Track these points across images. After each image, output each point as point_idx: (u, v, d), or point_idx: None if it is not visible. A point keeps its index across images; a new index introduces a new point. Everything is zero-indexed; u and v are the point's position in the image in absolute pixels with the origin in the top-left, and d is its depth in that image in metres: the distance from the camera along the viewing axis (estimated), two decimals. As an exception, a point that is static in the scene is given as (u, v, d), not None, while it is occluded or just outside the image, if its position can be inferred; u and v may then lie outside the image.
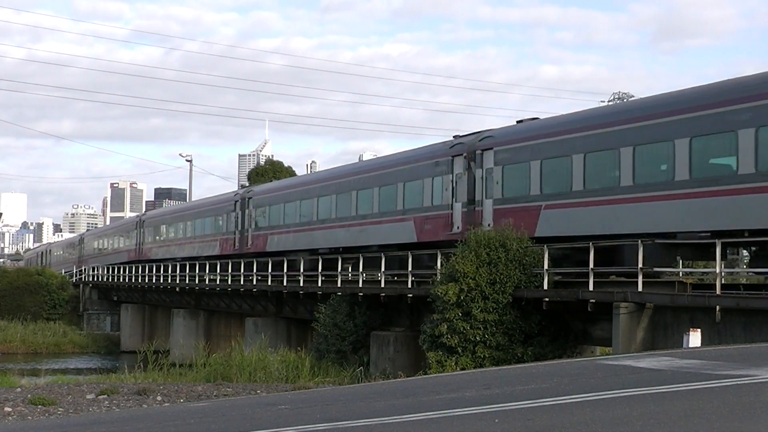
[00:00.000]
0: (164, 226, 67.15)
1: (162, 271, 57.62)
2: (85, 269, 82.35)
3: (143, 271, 61.98)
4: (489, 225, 29.80)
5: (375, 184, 37.26)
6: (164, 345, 51.47)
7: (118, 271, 68.67)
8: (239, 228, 51.02)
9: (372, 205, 37.31)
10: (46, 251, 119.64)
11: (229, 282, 47.57)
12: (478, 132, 32.33)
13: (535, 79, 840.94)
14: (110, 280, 71.17)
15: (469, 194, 31.51)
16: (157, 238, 67.58)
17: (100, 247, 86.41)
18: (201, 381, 29.53)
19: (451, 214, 32.37)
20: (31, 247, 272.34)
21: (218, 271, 48.89)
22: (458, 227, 31.77)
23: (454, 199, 32.42)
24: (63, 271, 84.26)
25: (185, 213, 63.99)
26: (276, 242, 46.23)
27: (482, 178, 30.93)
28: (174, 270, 55.62)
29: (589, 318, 25.72)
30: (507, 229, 27.13)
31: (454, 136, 33.81)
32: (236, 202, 52.24)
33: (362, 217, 38.03)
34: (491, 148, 30.67)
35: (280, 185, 51.16)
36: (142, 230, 70.40)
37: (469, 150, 31.74)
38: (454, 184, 32.37)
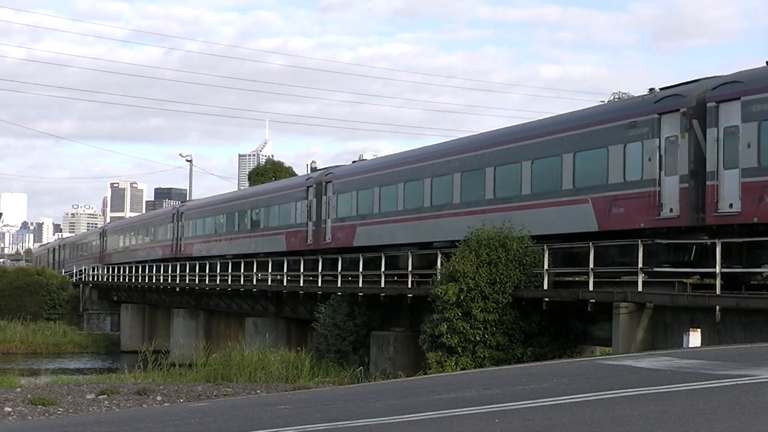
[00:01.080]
0: (209, 218, 58.39)
1: (162, 271, 57.66)
2: (98, 268, 79.93)
3: (143, 271, 62.02)
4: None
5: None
6: (164, 345, 51.50)
7: (118, 271, 68.67)
8: (314, 219, 42.95)
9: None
10: (59, 247, 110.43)
11: (229, 282, 47.58)
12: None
13: (535, 79, 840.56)
14: (110, 280, 71.19)
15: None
16: (201, 232, 59.48)
17: (127, 243, 77.74)
18: (201, 381, 29.54)
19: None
20: (37, 245, 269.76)
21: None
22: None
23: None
24: (83, 269, 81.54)
25: (238, 202, 55.04)
26: (367, 235, 38.29)
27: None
28: (175, 270, 55.65)
29: (589, 318, 25.73)
30: (507, 230, 27.16)
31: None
32: (309, 187, 43.77)
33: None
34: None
35: (374, 164, 42.39)
36: (180, 223, 62.18)
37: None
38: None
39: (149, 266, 61.62)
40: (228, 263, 48.49)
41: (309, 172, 63.41)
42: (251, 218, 51.38)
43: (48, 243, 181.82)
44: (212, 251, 55.80)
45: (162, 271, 57.55)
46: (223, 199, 59.75)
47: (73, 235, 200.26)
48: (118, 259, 76.25)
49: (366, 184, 38.81)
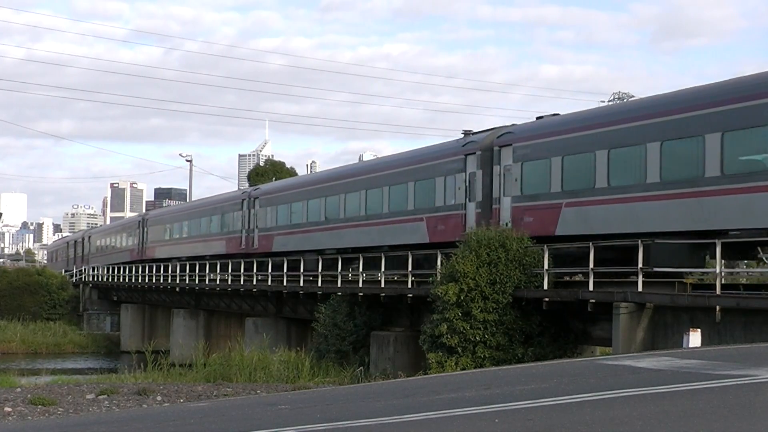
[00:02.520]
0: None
1: (162, 271, 57.66)
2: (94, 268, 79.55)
3: (143, 271, 62.02)
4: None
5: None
6: (164, 345, 51.51)
7: (118, 271, 68.67)
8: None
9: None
10: (83, 241, 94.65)
11: (229, 282, 47.57)
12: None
13: (535, 79, 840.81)
14: (110, 280, 71.17)
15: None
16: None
17: (179, 234, 64.99)
18: (201, 381, 29.53)
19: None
20: (57, 236, 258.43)
21: (229, 270, 48.06)
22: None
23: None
24: (120, 269, 70.96)
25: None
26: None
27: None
28: (174, 270, 55.65)
29: (589, 318, 25.73)
30: (506, 230, 27.23)
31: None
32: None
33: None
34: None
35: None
36: (253, 210, 60.50)
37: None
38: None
39: (148, 266, 61.69)
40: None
41: (308, 172, 64.21)
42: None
43: (67, 236, 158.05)
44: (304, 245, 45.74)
45: (162, 271, 57.57)
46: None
47: (99, 225, 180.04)
48: (165, 254, 67.15)
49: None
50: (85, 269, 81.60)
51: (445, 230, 32.34)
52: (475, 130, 33.68)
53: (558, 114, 30.67)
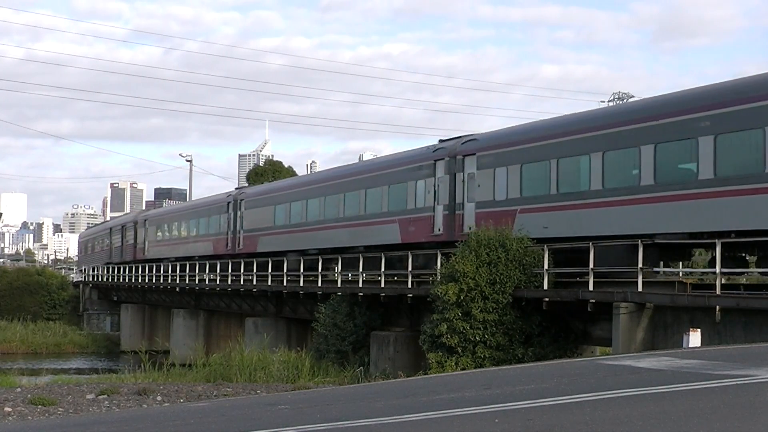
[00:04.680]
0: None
1: (162, 271, 57.66)
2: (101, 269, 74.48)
3: (143, 271, 62.02)
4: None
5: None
6: (164, 345, 51.52)
7: (118, 271, 68.66)
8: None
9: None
10: (134, 226, 71.84)
11: (229, 282, 47.57)
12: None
13: (535, 79, 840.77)
14: (110, 280, 71.16)
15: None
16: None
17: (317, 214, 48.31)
18: (201, 381, 29.53)
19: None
20: (90, 223, 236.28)
21: (218, 271, 49.49)
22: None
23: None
24: (120, 269, 66.69)
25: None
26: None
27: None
28: (174, 270, 55.67)
29: (589, 318, 25.73)
30: (506, 230, 27.26)
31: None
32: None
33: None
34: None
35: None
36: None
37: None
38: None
39: (148, 266, 61.74)
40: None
41: (309, 172, 64.58)
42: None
43: (107, 221, 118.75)
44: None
45: (162, 271, 57.58)
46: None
47: (164, 207, 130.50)
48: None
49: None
50: (131, 267, 65.82)
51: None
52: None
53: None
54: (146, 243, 68.02)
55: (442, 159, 33.28)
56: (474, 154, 31.68)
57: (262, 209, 48.80)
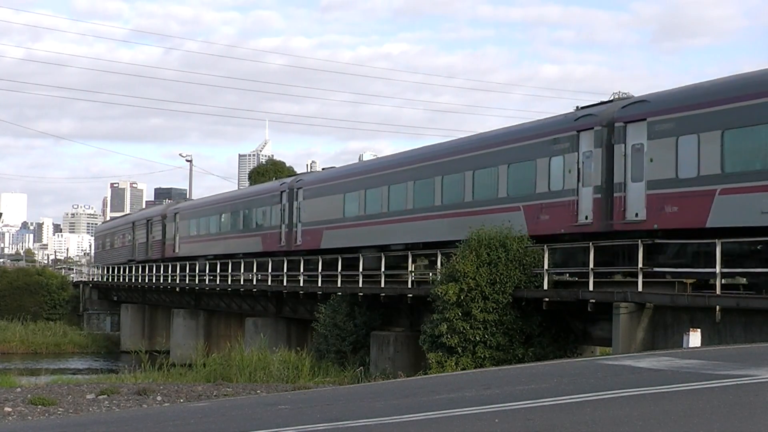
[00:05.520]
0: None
1: (162, 271, 57.66)
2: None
3: (143, 271, 62.00)
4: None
5: None
6: (164, 345, 51.55)
7: (118, 271, 68.65)
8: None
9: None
10: (162, 220, 65.02)
11: (229, 282, 47.58)
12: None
13: (536, 79, 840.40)
14: (110, 280, 71.17)
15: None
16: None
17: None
18: (201, 381, 29.54)
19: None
20: (109, 216, 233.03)
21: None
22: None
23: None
24: (119, 269, 65.39)
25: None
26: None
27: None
28: (174, 270, 55.64)
29: (589, 318, 25.73)
30: (506, 229, 27.23)
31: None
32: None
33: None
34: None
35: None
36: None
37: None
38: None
39: (148, 266, 61.67)
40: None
41: (308, 171, 63.54)
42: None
43: (128, 214, 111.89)
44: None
45: (162, 271, 57.56)
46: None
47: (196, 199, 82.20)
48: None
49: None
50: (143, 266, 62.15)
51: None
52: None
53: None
54: (177, 239, 61.06)
55: (589, 129, 27.03)
56: (643, 119, 25.27)
57: (328, 198, 41.54)
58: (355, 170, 42.60)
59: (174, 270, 55.49)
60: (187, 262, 55.06)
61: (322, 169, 46.21)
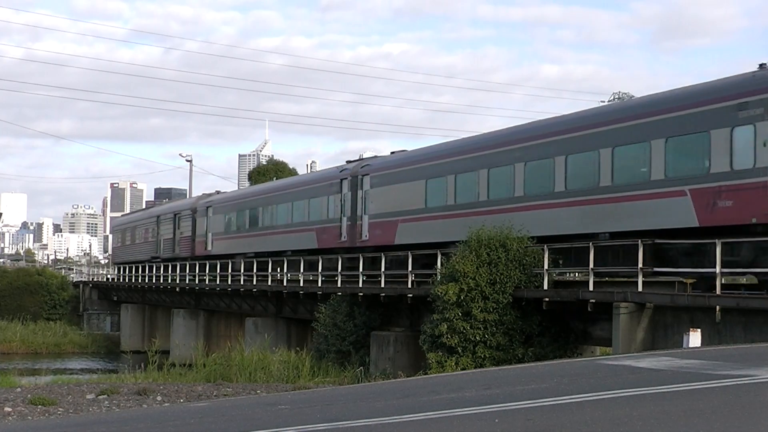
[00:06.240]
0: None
1: (162, 271, 57.65)
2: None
3: (143, 271, 62.00)
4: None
5: None
6: (164, 345, 51.53)
7: (118, 271, 68.59)
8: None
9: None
10: (192, 214, 58.73)
11: (229, 282, 47.56)
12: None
13: (536, 79, 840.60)
14: (110, 280, 71.14)
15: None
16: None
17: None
18: (201, 381, 29.54)
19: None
20: (127, 210, 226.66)
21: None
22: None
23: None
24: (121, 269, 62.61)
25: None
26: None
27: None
28: (174, 270, 55.63)
29: (589, 318, 25.74)
30: (506, 229, 27.23)
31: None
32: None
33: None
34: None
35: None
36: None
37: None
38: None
39: (149, 266, 61.62)
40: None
41: (308, 171, 63.25)
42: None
43: (150, 207, 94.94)
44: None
45: (162, 271, 57.53)
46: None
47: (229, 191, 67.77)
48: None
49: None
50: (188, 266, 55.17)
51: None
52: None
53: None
54: (208, 235, 55.12)
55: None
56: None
57: (403, 186, 35.62)
58: (441, 152, 35.23)
59: (174, 270, 55.30)
60: (218, 261, 50.12)
61: (391, 153, 40.00)
